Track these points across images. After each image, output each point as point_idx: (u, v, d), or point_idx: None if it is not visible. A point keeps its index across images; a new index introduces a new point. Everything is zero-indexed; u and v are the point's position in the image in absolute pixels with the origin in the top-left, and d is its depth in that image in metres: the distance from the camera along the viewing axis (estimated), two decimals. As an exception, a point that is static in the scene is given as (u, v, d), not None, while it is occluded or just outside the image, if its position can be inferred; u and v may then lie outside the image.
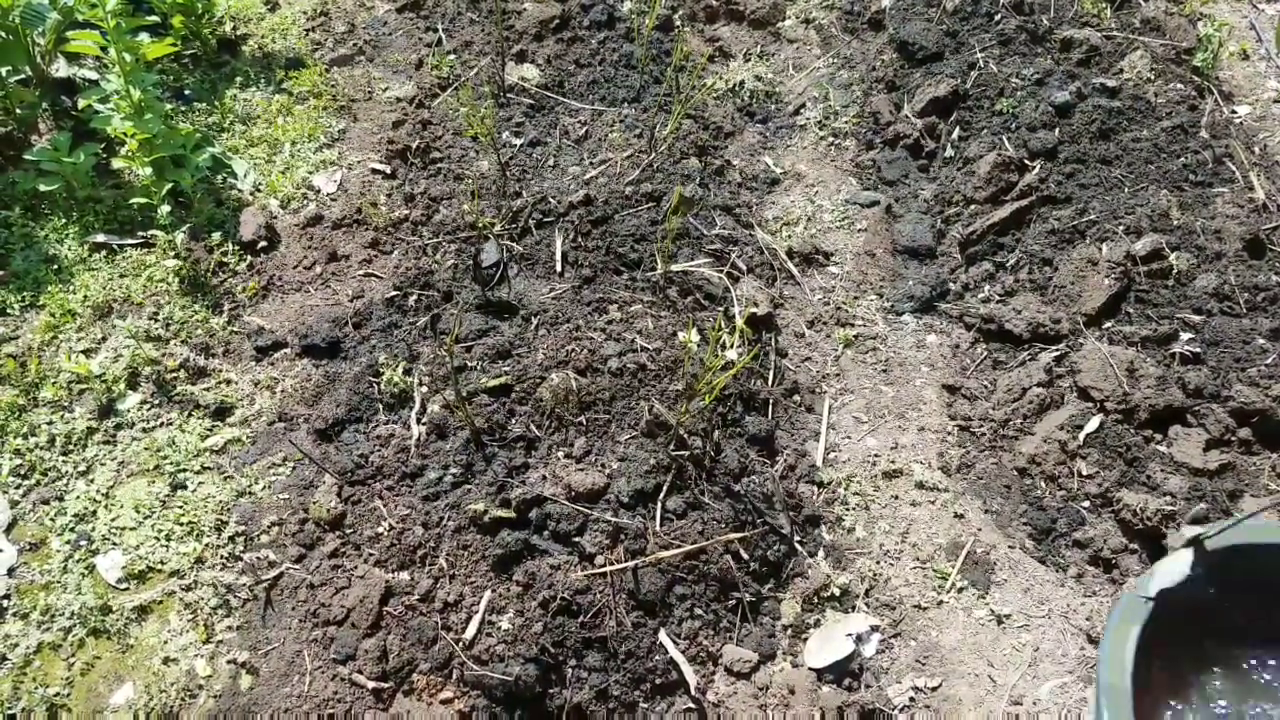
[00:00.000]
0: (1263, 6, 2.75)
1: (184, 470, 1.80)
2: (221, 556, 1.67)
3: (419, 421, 1.79)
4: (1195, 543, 0.93)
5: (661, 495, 1.64)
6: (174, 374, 1.94)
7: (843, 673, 1.56)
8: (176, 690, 1.52)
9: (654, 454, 1.68)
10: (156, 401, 1.91)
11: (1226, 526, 0.94)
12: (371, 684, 1.49)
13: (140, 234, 2.21)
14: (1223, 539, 0.95)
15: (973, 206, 2.25)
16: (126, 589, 1.64)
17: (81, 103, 2.23)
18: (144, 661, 1.56)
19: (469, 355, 1.88)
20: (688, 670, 1.50)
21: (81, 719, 1.51)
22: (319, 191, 2.36)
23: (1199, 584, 0.93)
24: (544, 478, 1.65)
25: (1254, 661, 1.02)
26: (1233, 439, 1.73)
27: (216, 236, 2.17)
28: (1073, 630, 1.59)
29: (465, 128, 2.42)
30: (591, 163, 2.33)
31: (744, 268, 2.12)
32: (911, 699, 1.54)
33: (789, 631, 1.61)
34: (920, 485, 1.82)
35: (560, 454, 1.70)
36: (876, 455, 1.88)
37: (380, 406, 1.85)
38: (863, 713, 1.50)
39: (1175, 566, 0.91)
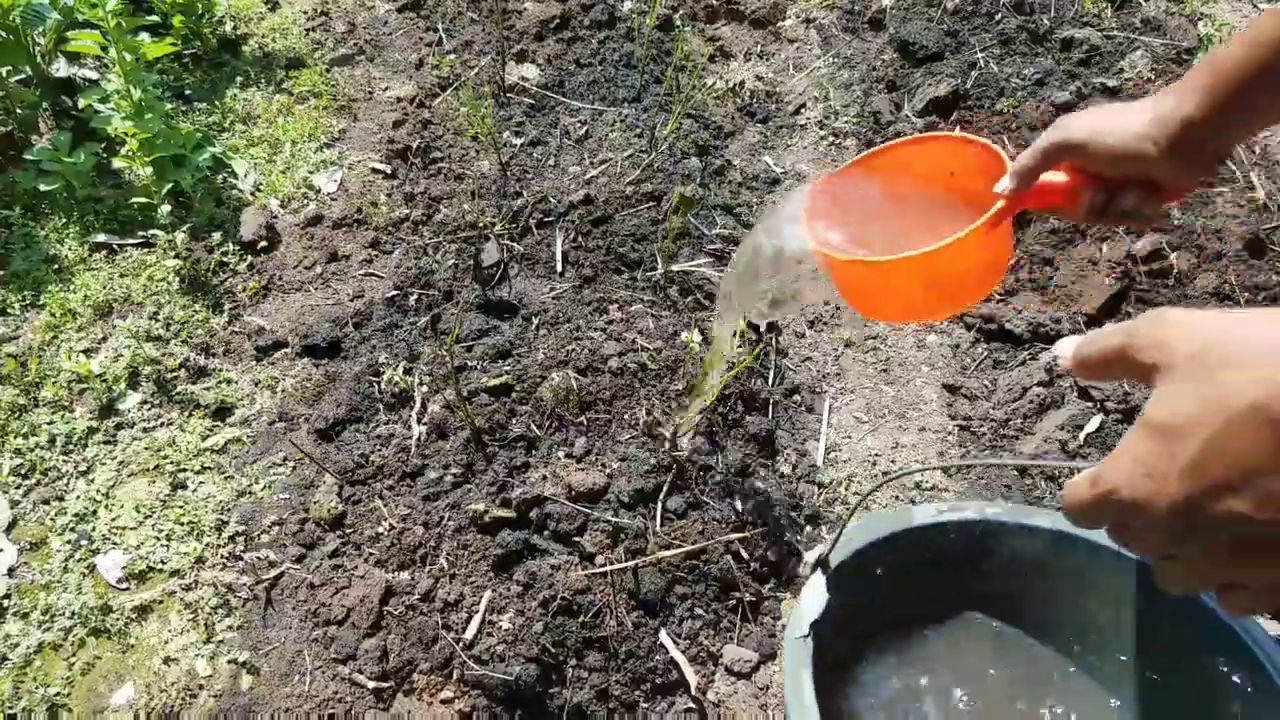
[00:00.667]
0: (1263, 6, 2.75)
1: (184, 470, 1.80)
2: (222, 556, 1.67)
3: (419, 421, 1.79)
4: (821, 565, 0.93)
5: (662, 495, 1.64)
6: (174, 374, 1.94)
7: (843, 672, 1.56)
8: (177, 690, 1.52)
9: (654, 454, 1.68)
10: (157, 401, 1.91)
11: (836, 540, 0.96)
12: (372, 684, 1.49)
13: (141, 234, 2.21)
14: (846, 549, 0.96)
15: (973, 206, 2.25)
16: (127, 589, 1.64)
17: (82, 102, 2.23)
18: (144, 661, 1.56)
19: (469, 355, 1.88)
20: (688, 670, 1.50)
21: (82, 719, 1.51)
22: (319, 191, 2.36)
23: (845, 596, 0.94)
24: (544, 477, 1.65)
25: (926, 633, 1.07)
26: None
27: (217, 236, 2.17)
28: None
29: (466, 127, 2.42)
30: (592, 162, 2.33)
31: (744, 267, 2.12)
32: (912, 699, 1.54)
33: (789, 631, 1.61)
34: (920, 485, 1.82)
35: (560, 454, 1.70)
36: (877, 455, 1.88)
37: (380, 406, 1.85)
38: (863, 712, 1.50)
39: (811, 598, 0.91)
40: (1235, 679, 0.92)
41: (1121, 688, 1.04)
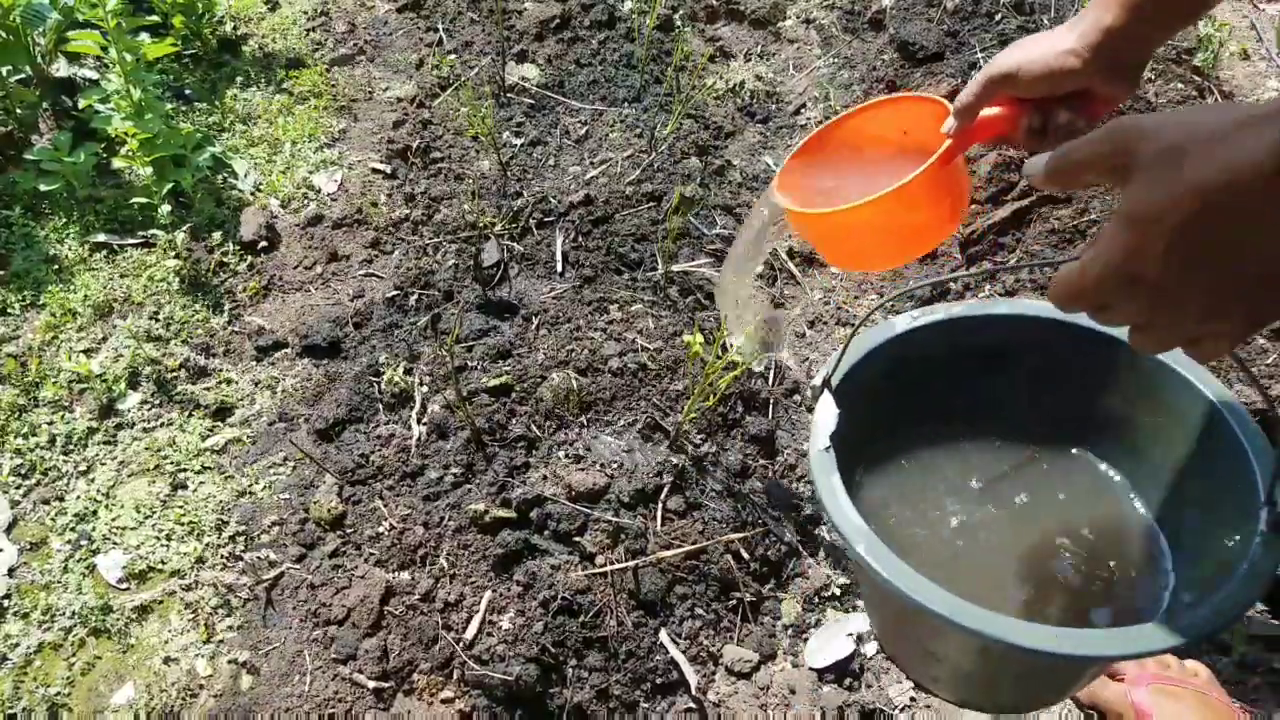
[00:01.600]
0: (1263, 6, 2.75)
1: (184, 470, 1.80)
2: (222, 556, 1.67)
3: (419, 421, 1.79)
4: (826, 385, 1.00)
5: (662, 495, 1.64)
6: (174, 374, 1.94)
7: (844, 672, 1.56)
8: (177, 690, 1.52)
9: (654, 454, 1.68)
10: (157, 401, 1.91)
11: (837, 361, 1.02)
12: (372, 684, 1.49)
13: (141, 234, 2.21)
14: (843, 366, 1.03)
15: (973, 206, 2.25)
16: (127, 589, 1.64)
17: (82, 102, 2.23)
18: (145, 661, 1.56)
19: (469, 355, 1.88)
20: (688, 670, 1.50)
21: (82, 718, 1.51)
22: (319, 191, 2.36)
23: (858, 407, 1.00)
24: (544, 477, 1.65)
25: (931, 430, 1.13)
26: (1233, 439, 1.73)
27: (217, 236, 2.17)
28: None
29: (466, 127, 2.42)
30: (592, 162, 2.33)
31: (744, 268, 2.12)
32: (913, 699, 1.54)
33: (790, 631, 1.61)
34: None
35: (561, 454, 1.70)
36: (877, 455, 1.88)
37: (381, 406, 1.85)
38: (864, 712, 1.50)
39: (824, 415, 0.98)
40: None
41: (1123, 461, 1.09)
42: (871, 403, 1.04)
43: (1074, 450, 1.11)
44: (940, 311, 1.09)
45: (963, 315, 1.09)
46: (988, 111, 1.06)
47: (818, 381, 1.01)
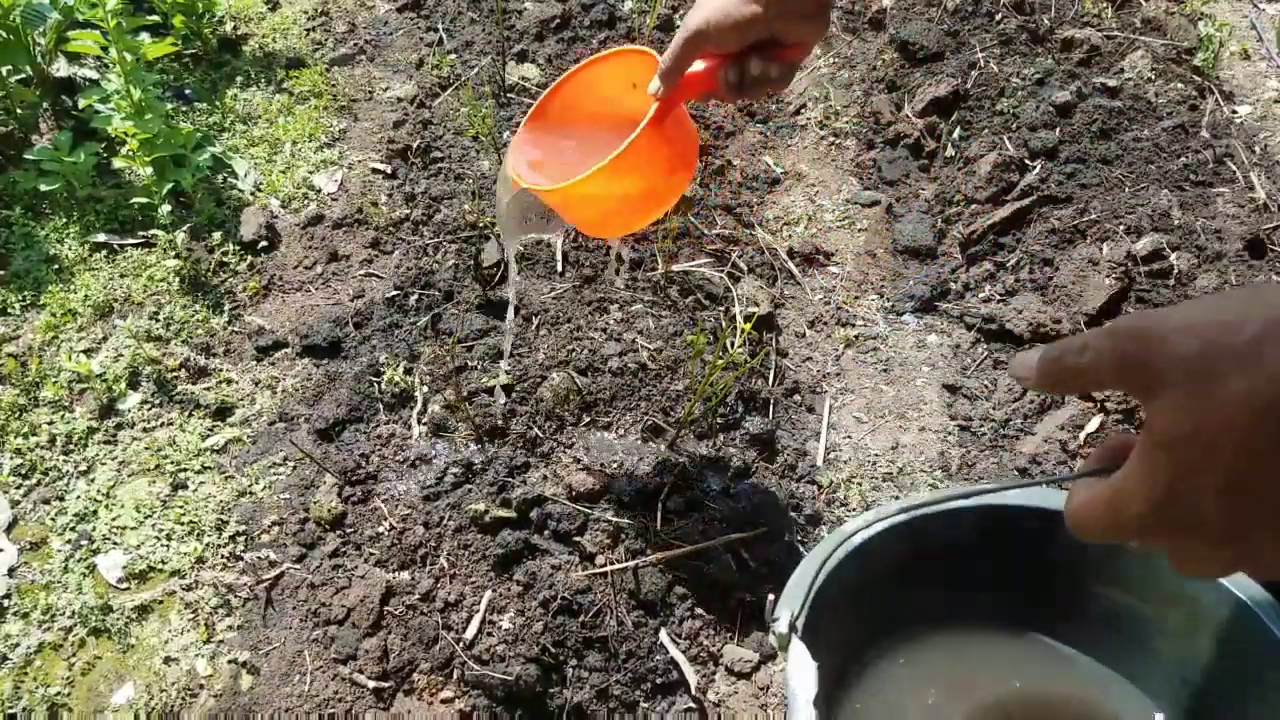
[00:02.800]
0: (1263, 6, 2.75)
1: (185, 470, 1.80)
2: (222, 556, 1.67)
3: (420, 421, 1.79)
4: (791, 630, 0.91)
5: (662, 495, 1.64)
6: (175, 374, 1.94)
7: (843, 673, 1.56)
8: (177, 690, 1.52)
9: (655, 454, 1.68)
10: (157, 401, 1.91)
11: (803, 601, 0.93)
12: (372, 684, 1.49)
13: (141, 234, 2.21)
14: (798, 600, 0.95)
15: (973, 206, 2.25)
16: (127, 589, 1.64)
17: (82, 102, 2.23)
18: (145, 661, 1.56)
19: (469, 355, 1.88)
20: (688, 670, 1.50)
21: (82, 718, 1.51)
22: (320, 191, 2.36)
23: (824, 637, 0.92)
24: (544, 477, 1.65)
25: (901, 660, 1.06)
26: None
27: (217, 236, 2.17)
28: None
29: (466, 127, 2.42)
30: (592, 162, 2.33)
31: (745, 267, 2.12)
32: (912, 699, 1.54)
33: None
34: (921, 485, 1.82)
35: (561, 454, 1.71)
36: (877, 455, 1.88)
37: (381, 406, 1.85)
38: (863, 713, 1.50)
39: (798, 674, 0.87)
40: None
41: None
42: (841, 622, 0.95)
43: (1064, 648, 1.02)
44: (895, 513, 0.99)
45: (923, 515, 0.98)
46: (692, 69, 1.11)
47: (782, 627, 0.92)
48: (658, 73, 1.12)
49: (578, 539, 1.58)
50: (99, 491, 1.76)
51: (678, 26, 2.93)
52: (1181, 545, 0.56)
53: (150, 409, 1.89)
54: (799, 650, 0.89)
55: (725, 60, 1.11)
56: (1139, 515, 0.55)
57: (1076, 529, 0.60)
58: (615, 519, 1.59)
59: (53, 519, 1.73)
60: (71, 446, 1.83)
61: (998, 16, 2.59)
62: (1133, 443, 0.56)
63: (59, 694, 1.52)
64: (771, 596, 0.96)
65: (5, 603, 1.61)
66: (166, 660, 1.56)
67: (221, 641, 1.58)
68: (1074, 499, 0.59)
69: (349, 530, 1.67)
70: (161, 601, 1.63)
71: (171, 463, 1.80)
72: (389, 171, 2.41)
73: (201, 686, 1.53)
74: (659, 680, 1.51)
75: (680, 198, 1.38)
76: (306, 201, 2.34)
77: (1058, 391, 0.62)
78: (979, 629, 1.06)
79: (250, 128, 2.52)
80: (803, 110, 2.64)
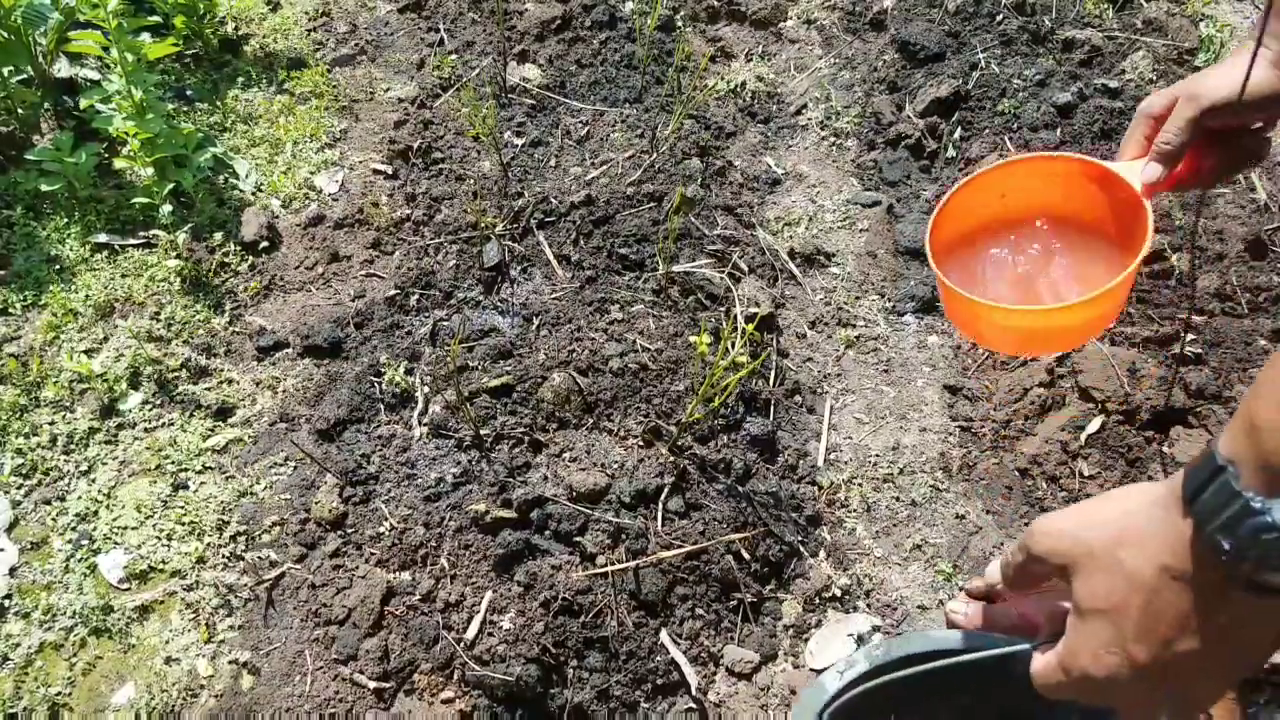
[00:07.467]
0: (1263, 6, 2.74)
1: (185, 470, 1.80)
2: (223, 556, 1.68)
3: (420, 421, 1.79)
4: None
5: (663, 496, 1.64)
6: (176, 374, 1.95)
7: (844, 673, 1.56)
8: (178, 690, 1.52)
9: (655, 455, 1.68)
10: (158, 401, 1.91)
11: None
12: (373, 684, 1.49)
13: (142, 234, 2.22)
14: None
15: (974, 207, 2.25)
16: (128, 589, 1.64)
17: (83, 103, 2.23)
18: (145, 661, 1.56)
19: (470, 355, 1.88)
20: (689, 670, 1.50)
21: (83, 718, 1.51)
22: (321, 191, 2.36)
23: None
24: (545, 478, 1.65)
25: None
26: (1234, 440, 1.72)
27: (218, 236, 2.17)
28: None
29: (467, 128, 2.42)
30: (593, 163, 2.33)
31: (746, 268, 2.12)
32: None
33: (790, 632, 1.61)
34: (921, 486, 1.82)
35: (562, 454, 1.70)
36: (878, 456, 1.88)
37: (382, 406, 1.85)
38: (864, 713, 1.50)
39: None
40: None
41: None
42: None
43: None
44: (861, 660, 0.96)
45: (893, 661, 0.96)
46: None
47: None
48: (1154, 158, 0.98)
49: (578, 539, 1.58)
50: (100, 491, 1.76)
51: (679, 28, 2.91)
52: (1124, 694, 0.67)
53: (151, 409, 1.89)
54: None
55: (1213, 139, 0.98)
56: (1084, 670, 0.67)
57: (1041, 690, 0.72)
58: (616, 519, 1.59)
59: (54, 519, 1.73)
60: (73, 446, 1.83)
61: (999, 17, 2.59)
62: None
63: (60, 694, 1.52)
64: None
65: (6, 603, 1.62)
66: (167, 660, 1.56)
67: (222, 641, 1.58)
68: (1035, 664, 0.72)
69: (350, 530, 1.67)
70: (162, 601, 1.63)
71: (172, 463, 1.80)
72: (390, 172, 2.41)
73: (202, 686, 1.53)
74: (659, 680, 1.51)
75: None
76: (307, 202, 2.34)
77: (1021, 590, 0.80)
78: None
79: (251, 128, 2.53)
80: (803, 110, 2.64)
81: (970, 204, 1.18)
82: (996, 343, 1.30)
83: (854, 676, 0.99)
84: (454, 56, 2.69)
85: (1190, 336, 1.85)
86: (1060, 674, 0.70)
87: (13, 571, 1.66)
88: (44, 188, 2.20)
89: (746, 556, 1.63)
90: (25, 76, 2.39)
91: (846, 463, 1.87)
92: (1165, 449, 1.74)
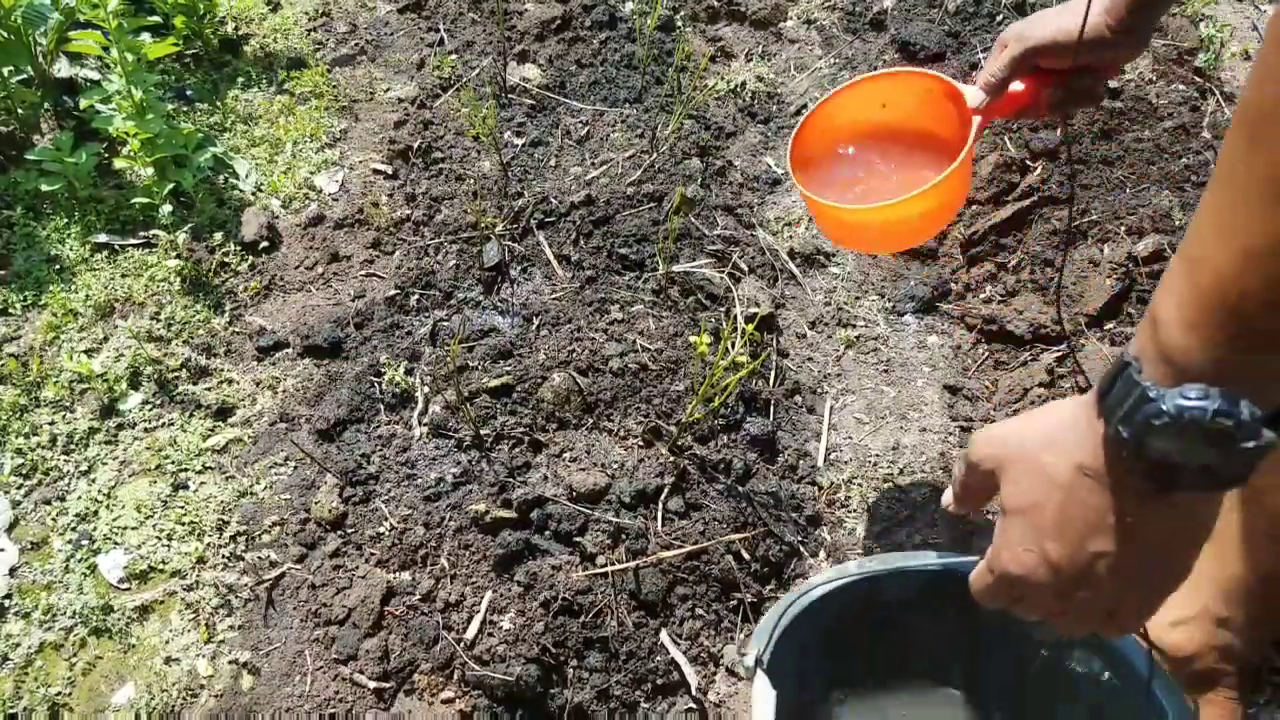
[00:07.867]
0: (1265, 7, 2.75)
1: (185, 470, 1.80)
2: (223, 556, 1.68)
3: (420, 421, 1.79)
4: (757, 665, 1.04)
5: (663, 496, 1.64)
6: (176, 374, 1.95)
7: (844, 673, 1.56)
8: (178, 690, 1.52)
9: (655, 455, 1.68)
10: (158, 401, 1.91)
11: (768, 638, 1.07)
12: (373, 684, 1.49)
13: (142, 234, 2.22)
14: (764, 639, 1.08)
15: (974, 207, 2.25)
16: (128, 589, 1.64)
17: (83, 103, 2.23)
18: (145, 661, 1.56)
19: (470, 355, 1.88)
20: (689, 671, 1.50)
21: (83, 718, 1.51)
22: (321, 191, 2.36)
23: (789, 682, 1.05)
24: (545, 478, 1.65)
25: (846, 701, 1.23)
26: (1234, 440, 1.72)
27: (218, 236, 2.17)
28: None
29: (467, 128, 2.42)
30: (593, 163, 2.33)
31: (746, 268, 2.12)
32: (913, 700, 1.54)
33: (790, 632, 1.61)
34: (922, 486, 1.82)
35: (562, 454, 1.70)
36: (878, 456, 1.88)
37: (382, 406, 1.85)
38: (864, 713, 1.51)
39: (761, 699, 1.01)
40: (1092, 672, 1.00)
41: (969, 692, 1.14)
42: (806, 662, 1.07)
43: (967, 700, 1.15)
44: (852, 572, 1.12)
45: (875, 573, 1.12)
46: (1014, 86, 1.11)
47: (749, 661, 1.03)
48: (980, 86, 1.13)
49: (578, 539, 1.58)
50: (100, 491, 1.76)
51: (679, 28, 2.91)
52: (1042, 594, 0.68)
53: (151, 409, 1.89)
54: (761, 682, 1.03)
55: (1048, 78, 1.11)
56: (1005, 571, 0.69)
57: (976, 597, 0.75)
58: (616, 519, 1.59)
59: (54, 519, 1.73)
60: (72, 446, 1.83)
61: (999, 17, 2.59)
62: None
63: (60, 694, 1.52)
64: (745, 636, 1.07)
65: (6, 603, 1.62)
66: (167, 660, 1.56)
67: (222, 642, 1.58)
68: (971, 575, 0.75)
69: (350, 530, 1.67)
70: (162, 601, 1.63)
71: (172, 463, 1.80)
72: (390, 172, 2.41)
73: (202, 686, 1.53)
74: (659, 681, 1.51)
75: (942, 226, 1.42)
76: (307, 202, 2.34)
77: (972, 504, 0.83)
78: (913, 680, 1.22)
79: (251, 128, 2.53)
80: (803, 110, 2.64)
81: (848, 114, 1.30)
82: (847, 239, 1.55)
83: (844, 582, 1.12)
84: (454, 56, 2.69)
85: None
86: (987, 575, 0.72)
87: (13, 571, 1.66)
88: (44, 188, 2.20)
89: (746, 556, 1.63)
90: (25, 76, 2.39)
91: (846, 463, 1.87)
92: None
